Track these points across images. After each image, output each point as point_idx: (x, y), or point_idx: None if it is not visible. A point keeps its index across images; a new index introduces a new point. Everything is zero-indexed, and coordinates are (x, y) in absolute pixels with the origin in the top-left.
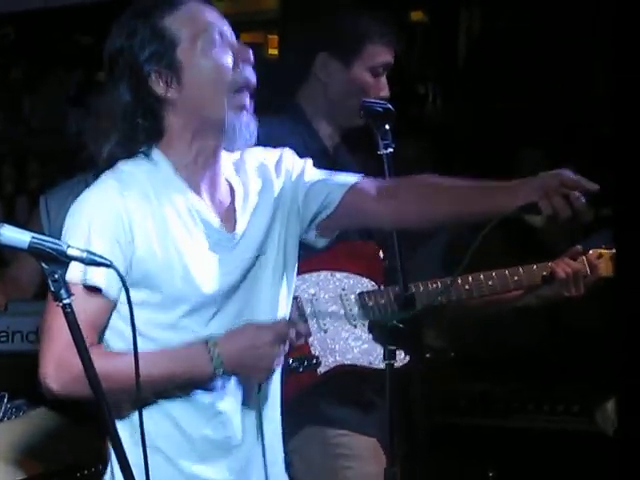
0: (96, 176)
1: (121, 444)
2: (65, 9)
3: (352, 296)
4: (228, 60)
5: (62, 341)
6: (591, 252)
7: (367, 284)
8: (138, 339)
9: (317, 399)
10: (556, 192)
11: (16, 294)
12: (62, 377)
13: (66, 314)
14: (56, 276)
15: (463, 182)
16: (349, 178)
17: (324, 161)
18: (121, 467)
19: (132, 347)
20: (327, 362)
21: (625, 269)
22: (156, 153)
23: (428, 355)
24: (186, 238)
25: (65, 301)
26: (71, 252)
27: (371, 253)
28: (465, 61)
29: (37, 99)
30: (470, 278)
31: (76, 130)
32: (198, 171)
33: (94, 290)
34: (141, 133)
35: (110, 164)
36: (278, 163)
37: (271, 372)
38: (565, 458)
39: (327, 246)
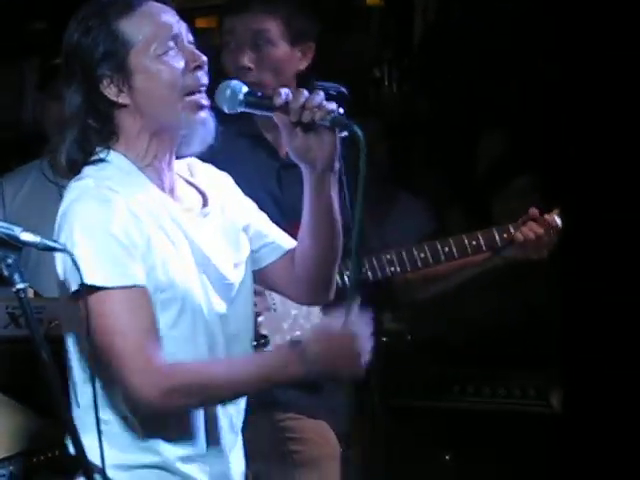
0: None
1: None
2: None
3: None
4: (180, 64)
5: (135, 335)
6: (551, 213)
7: None
8: None
9: None
10: None
11: None
12: (156, 379)
13: (20, 299)
14: (9, 261)
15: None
16: (285, 242)
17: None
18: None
19: None
20: (275, 341)
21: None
22: (115, 155)
23: (385, 339)
24: (161, 233)
25: (19, 286)
26: (24, 237)
27: None
28: (420, 44)
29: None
30: (425, 246)
31: (32, 118)
32: (158, 172)
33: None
34: (93, 134)
35: (73, 169)
36: (230, 185)
37: (359, 371)
38: (521, 441)
39: None
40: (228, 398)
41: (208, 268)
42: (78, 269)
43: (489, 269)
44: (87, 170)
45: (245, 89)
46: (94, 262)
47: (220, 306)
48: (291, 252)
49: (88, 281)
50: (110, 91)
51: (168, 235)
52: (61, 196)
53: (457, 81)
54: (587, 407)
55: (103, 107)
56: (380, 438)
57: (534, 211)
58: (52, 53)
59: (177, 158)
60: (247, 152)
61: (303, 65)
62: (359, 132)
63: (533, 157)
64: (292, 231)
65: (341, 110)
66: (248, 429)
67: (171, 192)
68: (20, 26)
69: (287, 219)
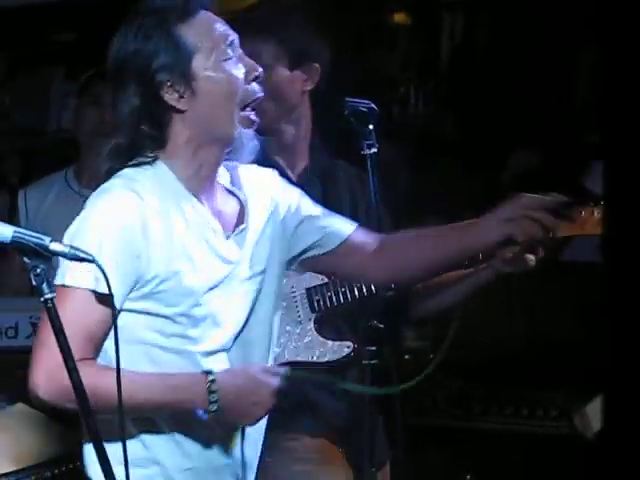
0: (101, 179)
1: (105, 456)
2: (45, 5)
3: (299, 292)
4: (240, 73)
5: (56, 352)
6: None
7: (318, 279)
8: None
9: None
10: (524, 217)
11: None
12: (52, 389)
13: (47, 309)
14: (38, 270)
15: (435, 230)
16: (345, 226)
17: None
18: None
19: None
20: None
21: (614, 279)
22: (159, 162)
23: (407, 357)
24: (195, 246)
25: (47, 296)
26: (54, 247)
27: None
28: (447, 64)
29: (18, 95)
30: None
31: (57, 127)
32: (200, 182)
33: (102, 297)
34: (145, 140)
35: (111, 170)
36: (276, 185)
37: (260, 419)
38: (543, 461)
39: None
40: (126, 410)
41: (232, 281)
42: (106, 278)
43: (482, 282)
44: (125, 170)
45: None
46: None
47: (237, 314)
48: (352, 236)
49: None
50: (170, 96)
51: (188, 250)
52: None
53: (483, 102)
54: (625, 431)
55: (159, 112)
56: (401, 457)
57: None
58: (81, 62)
59: None
60: None
61: (309, 86)
62: None
63: (558, 177)
64: None
65: None
66: None
67: (210, 205)
68: (48, 36)
69: None
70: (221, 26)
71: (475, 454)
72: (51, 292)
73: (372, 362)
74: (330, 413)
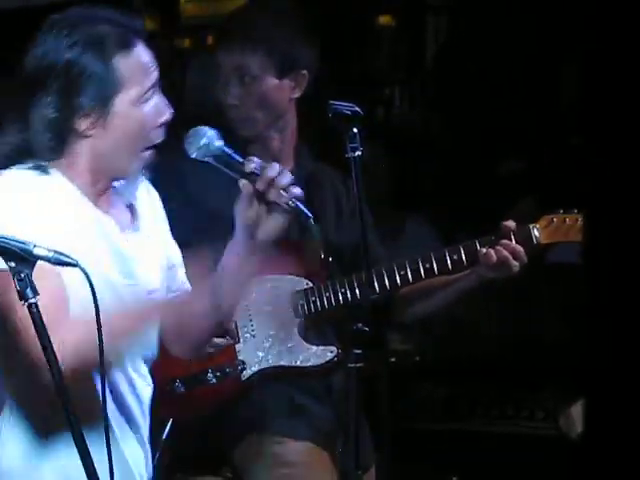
0: None
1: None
2: (44, 8)
3: (285, 297)
4: (154, 118)
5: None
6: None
7: (303, 283)
8: None
9: (251, 407)
10: None
11: None
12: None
13: (32, 314)
14: (22, 275)
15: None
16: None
17: None
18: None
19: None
20: (252, 368)
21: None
22: (54, 171)
23: (393, 359)
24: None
25: (31, 300)
26: (37, 251)
27: (310, 251)
28: (432, 66)
29: None
30: (406, 263)
31: None
32: (96, 192)
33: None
34: (42, 150)
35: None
36: (160, 208)
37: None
38: (529, 463)
39: None
40: (137, 328)
41: (131, 277)
42: (90, 282)
43: (467, 288)
44: (15, 169)
45: (219, 143)
46: None
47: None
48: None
49: None
50: (83, 122)
51: (87, 243)
52: None
53: (469, 103)
54: (607, 431)
55: (67, 132)
56: (387, 459)
57: (507, 225)
58: None
59: None
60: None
61: (297, 94)
62: (315, 230)
63: (542, 178)
64: None
65: (299, 191)
66: (241, 456)
67: (103, 209)
68: None
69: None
70: (150, 63)
71: (461, 456)
72: (35, 297)
73: (358, 365)
74: (316, 417)
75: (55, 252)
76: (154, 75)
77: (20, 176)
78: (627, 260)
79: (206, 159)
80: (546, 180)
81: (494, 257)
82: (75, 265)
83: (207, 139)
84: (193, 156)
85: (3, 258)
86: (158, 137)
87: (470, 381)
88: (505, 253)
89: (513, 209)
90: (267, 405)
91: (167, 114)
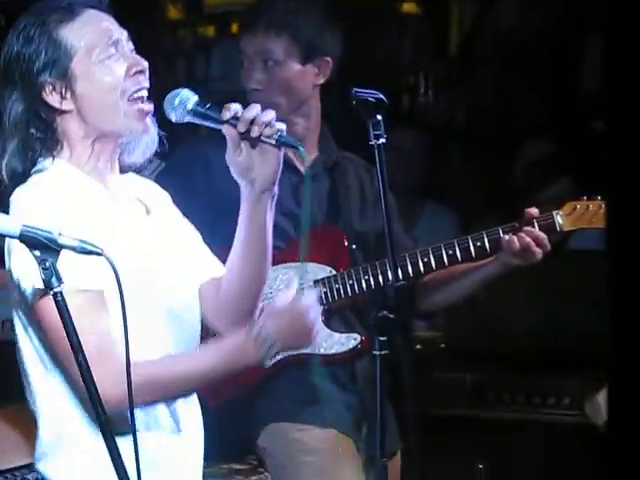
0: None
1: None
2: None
3: (307, 285)
4: (122, 69)
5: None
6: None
7: (326, 271)
8: None
9: (275, 395)
10: None
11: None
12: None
13: (57, 303)
14: (47, 264)
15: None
16: (213, 268)
17: None
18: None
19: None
20: (276, 356)
21: (617, 268)
22: (59, 162)
23: (418, 346)
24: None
25: (56, 289)
26: (62, 240)
27: (334, 239)
28: (457, 53)
29: None
30: (430, 250)
31: None
32: (104, 173)
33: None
34: (36, 143)
35: (15, 180)
36: (170, 202)
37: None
38: (555, 450)
39: None
40: (185, 391)
41: (151, 267)
42: (116, 272)
43: (491, 276)
44: (32, 179)
45: (194, 99)
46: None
47: (169, 298)
48: (217, 280)
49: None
50: (52, 98)
51: (107, 236)
52: None
53: (494, 90)
54: (631, 419)
55: (46, 115)
56: (412, 447)
57: (530, 212)
58: None
59: (121, 171)
60: None
61: (320, 80)
62: (304, 153)
63: (569, 164)
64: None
65: (283, 126)
66: (266, 442)
67: (114, 196)
68: None
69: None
70: (106, 25)
71: (487, 443)
72: (60, 285)
73: (382, 352)
74: (340, 404)
75: (80, 241)
76: (110, 34)
77: (35, 184)
78: None
79: (186, 119)
80: (573, 165)
81: (517, 244)
82: (100, 254)
83: (180, 98)
84: (173, 119)
85: (28, 247)
86: (136, 84)
87: (496, 368)
88: (527, 240)
89: (541, 195)
90: (291, 392)
91: (139, 64)
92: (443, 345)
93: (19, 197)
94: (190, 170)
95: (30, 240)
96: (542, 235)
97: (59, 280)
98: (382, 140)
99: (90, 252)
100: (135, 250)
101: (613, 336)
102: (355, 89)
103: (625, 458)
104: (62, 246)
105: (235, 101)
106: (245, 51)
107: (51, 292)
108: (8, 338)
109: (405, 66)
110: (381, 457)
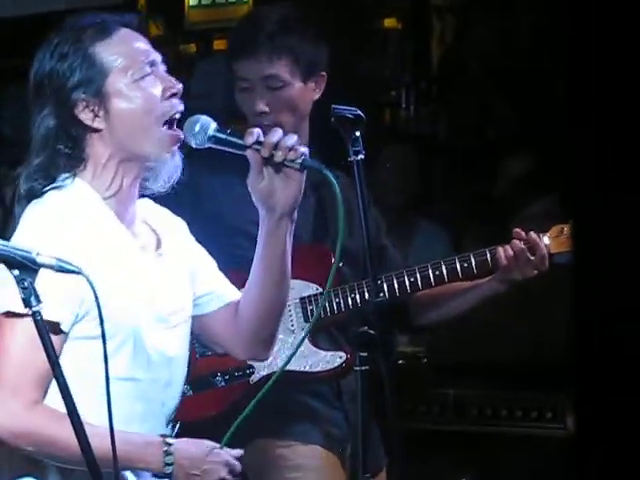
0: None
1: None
2: (38, 16)
3: (293, 301)
4: (157, 91)
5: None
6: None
7: (312, 288)
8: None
9: (261, 411)
10: None
11: None
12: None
13: (36, 322)
14: (25, 284)
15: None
16: (229, 293)
17: None
18: None
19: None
20: (260, 372)
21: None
22: (80, 182)
23: (400, 361)
24: (105, 270)
25: (35, 308)
26: (41, 259)
27: (320, 256)
28: (438, 68)
29: (6, 107)
30: (416, 269)
31: None
32: (124, 201)
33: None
34: (61, 159)
35: (32, 190)
36: (185, 230)
37: None
38: (539, 464)
39: None
40: (74, 461)
41: (154, 307)
42: (95, 294)
43: (489, 293)
44: (48, 195)
45: (214, 125)
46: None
47: (163, 346)
48: (234, 304)
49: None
50: (85, 116)
51: (113, 271)
52: None
53: (475, 103)
54: (602, 429)
55: (76, 132)
56: (397, 463)
57: (518, 232)
58: None
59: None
60: None
61: (317, 95)
62: (331, 176)
63: (551, 181)
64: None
65: (307, 150)
66: (251, 459)
67: (130, 226)
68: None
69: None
70: (141, 44)
71: (471, 458)
72: (38, 304)
73: (363, 368)
74: (325, 420)
75: (58, 259)
76: (147, 54)
77: (50, 201)
78: (612, 261)
79: (207, 145)
80: (555, 180)
81: (510, 251)
82: (78, 273)
83: (200, 124)
84: (194, 146)
85: (7, 267)
86: (171, 108)
87: (478, 382)
88: (521, 246)
89: (523, 212)
90: (276, 409)
91: (175, 87)
92: (426, 360)
93: (30, 210)
94: (179, 195)
95: (8, 259)
96: (536, 240)
97: (37, 299)
98: (361, 156)
99: (69, 271)
100: (126, 295)
101: (578, 353)
102: (334, 106)
103: (592, 467)
104: (40, 265)
105: (216, 119)
106: (247, 77)
107: (29, 312)
108: None
109: (387, 81)
110: (363, 473)
